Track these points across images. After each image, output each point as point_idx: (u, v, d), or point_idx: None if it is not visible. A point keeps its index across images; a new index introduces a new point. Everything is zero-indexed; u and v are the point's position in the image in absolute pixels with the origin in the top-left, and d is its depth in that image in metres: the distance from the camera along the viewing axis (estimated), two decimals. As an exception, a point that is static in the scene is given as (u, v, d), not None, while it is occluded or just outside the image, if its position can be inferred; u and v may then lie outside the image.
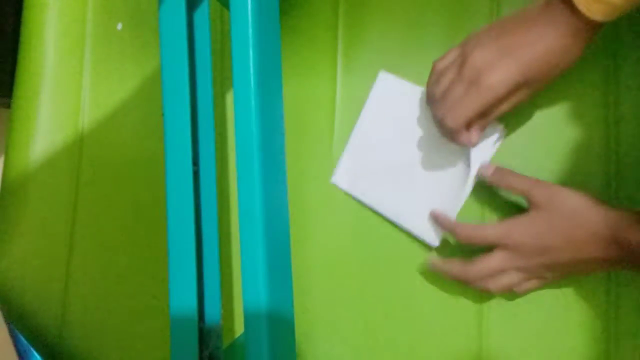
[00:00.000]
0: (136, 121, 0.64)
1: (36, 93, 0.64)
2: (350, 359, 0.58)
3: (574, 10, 0.43)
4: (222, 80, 0.62)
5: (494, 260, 0.50)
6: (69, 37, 0.65)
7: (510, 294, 0.54)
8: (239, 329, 0.59)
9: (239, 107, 0.44)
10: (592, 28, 0.44)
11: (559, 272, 0.50)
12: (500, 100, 0.47)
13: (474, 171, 0.53)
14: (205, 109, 0.51)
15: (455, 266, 0.52)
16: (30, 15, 0.66)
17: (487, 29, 0.48)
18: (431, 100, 0.51)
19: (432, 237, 0.56)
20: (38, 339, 0.62)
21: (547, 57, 0.45)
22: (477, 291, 0.55)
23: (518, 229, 0.49)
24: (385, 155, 0.58)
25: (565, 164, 0.53)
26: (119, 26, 0.65)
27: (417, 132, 0.57)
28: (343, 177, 0.59)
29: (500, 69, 0.46)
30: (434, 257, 0.55)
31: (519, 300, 0.55)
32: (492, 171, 0.52)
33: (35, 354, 0.60)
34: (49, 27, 0.65)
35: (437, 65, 0.51)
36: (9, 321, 0.62)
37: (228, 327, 0.58)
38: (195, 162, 0.50)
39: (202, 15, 0.51)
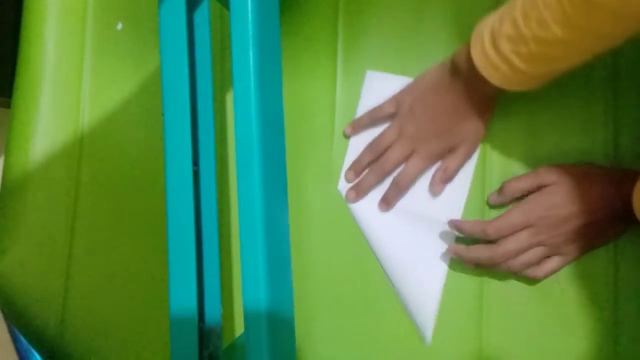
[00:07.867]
0: (136, 121, 0.64)
1: (36, 93, 0.64)
2: (351, 359, 0.58)
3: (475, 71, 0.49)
4: (222, 80, 0.62)
5: (522, 237, 0.52)
6: (69, 37, 0.65)
7: (510, 291, 0.54)
8: (239, 329, 0.59)
9: (239, 107, 0.44)
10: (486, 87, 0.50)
11: (577, 243, 0.52)
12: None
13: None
14: (205, 109, 0.51)
15: (481, 250, 0.53)
16: (30, 15, 0.65)
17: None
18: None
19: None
20: (38, 339, 0.62)
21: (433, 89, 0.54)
22: (477, 291, 0.55)
23: (539, 203, 0.52)
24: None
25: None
26: (119, 26, 0.65)
27: None
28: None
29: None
30: (456, 246, 0.55)
31: (519, 300, 0.55)
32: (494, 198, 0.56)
33: (35, 354, 0.60)
34: (49, 27, 0.65)
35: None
36: (9, 321, 0.62)
37: (228, 327, 0.58)
38: (195, 162, 0.50)
39: (202, 15, 0.51)
